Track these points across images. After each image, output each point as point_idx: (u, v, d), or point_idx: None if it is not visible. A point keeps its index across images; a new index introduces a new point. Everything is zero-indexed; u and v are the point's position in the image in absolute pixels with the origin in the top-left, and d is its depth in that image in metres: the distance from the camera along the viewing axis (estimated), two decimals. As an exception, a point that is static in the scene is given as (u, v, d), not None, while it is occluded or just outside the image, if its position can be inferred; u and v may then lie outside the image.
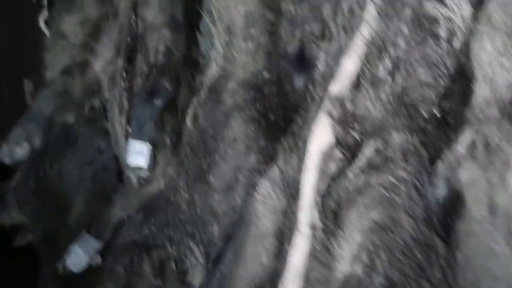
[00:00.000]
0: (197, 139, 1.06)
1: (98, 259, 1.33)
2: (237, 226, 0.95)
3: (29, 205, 1.67)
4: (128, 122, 1.36)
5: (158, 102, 1.20)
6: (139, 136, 1.16)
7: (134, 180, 1.14)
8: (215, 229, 1.04)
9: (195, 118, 1.10)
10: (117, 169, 1.45)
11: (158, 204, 1.14)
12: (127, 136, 1.37)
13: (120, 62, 1.33)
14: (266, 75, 1.05)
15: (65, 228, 1.66)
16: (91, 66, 1.30)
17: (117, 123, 1.34)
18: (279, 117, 1.03)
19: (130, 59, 1.34)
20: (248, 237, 0.93)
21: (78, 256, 1.29)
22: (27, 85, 5.22)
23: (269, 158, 0.95)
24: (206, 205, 1.04)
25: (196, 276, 1.10)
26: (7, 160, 1.20)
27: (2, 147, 1.19)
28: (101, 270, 1.32)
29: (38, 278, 1.78)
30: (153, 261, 1.14)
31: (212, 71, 1.07)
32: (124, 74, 1.34)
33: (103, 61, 1.31)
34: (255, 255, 0.92)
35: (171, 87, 1.22)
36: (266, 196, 0.93)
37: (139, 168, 1.13)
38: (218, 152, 1.02)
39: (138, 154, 1.14)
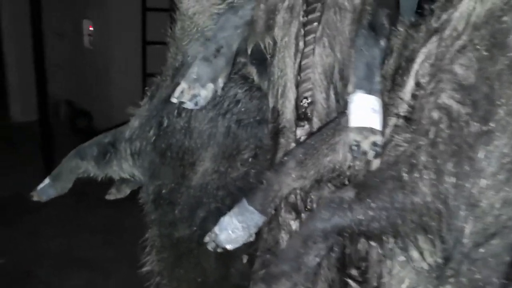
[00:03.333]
0: (461, 98, 0.74)
1: (252, 237, 1.06)
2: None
3: (145, 158, 1.41)
4: (299, 67, 1.05)
5: (383, 43, 0.89)
6: (369, 87, 0.85)
7: (363, 147, 0.83)
8: (469, 226, 0.74)
9: (446, 69, 0.78)
10: (274, 126, 1.15)
11: (379, 181, 0.84)
12: (297, 84, 1.06)
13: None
14: None
15: (185, 188, 1.41)
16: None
17: (289, 67, 1.02)
18: None
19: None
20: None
21: (235, 231, 1.02)
22: (86, 26, 5.00)
23: None
24: (461, 191, 0.74)
25: (426, 282, 0.82)
26: (190, 105, 0.91)
27: (180, 88, 0.90)
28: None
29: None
30: (360, 255, 0.86)
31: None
32: (305, 5, 1.02)
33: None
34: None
35: (387, 25, 0.91)
36: None
37: (370, 131, 0.83)
38: (494, 117, 0.71)
39: (368, 111, 0.83)
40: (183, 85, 0.88)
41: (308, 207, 1.19)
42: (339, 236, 0.85)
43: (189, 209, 1.42)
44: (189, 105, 0.90)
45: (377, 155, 0.82)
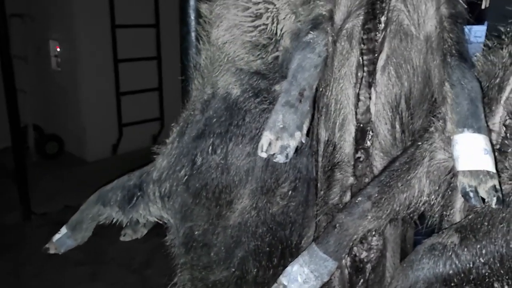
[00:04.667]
0: None
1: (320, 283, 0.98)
2: None
3: (176, 199, 1.31)
4: (359, 98, 0.99)
5: (476, 72, 0.83)
6: (476, 126, 0.78)
7: (481, 193, 0.76)
8: None
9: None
10: (330, 161, 1.08)
11: (488, 224, 0.77)
12: (357, 116, 1.00)
13: (361, 16, 0.95)
14: None
15: (221, 228, 1.32)
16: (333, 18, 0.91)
17: (349, 99, 0.96)
18: None
19: (374, 13, 0.95)
20: None
21: (308, 281, 0.94)
22: (52, 47, 4.79)
23: None
24: None
25: None
26: (281, 159, 0.81)
27: (266, 139, 0.81)
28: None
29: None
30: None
31: None
32: (363, 32, 0.95)
33: (345, 12, 0.92)
34: None
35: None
36: None
37: (487, 174, 0.76)
38: None
39: (481, 152, 0.76)
40: (269, 136, 0.79)
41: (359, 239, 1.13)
42: (444, 286, 0.78)
43: (227, 250, 1.33)
44: (280, 158, 0.81)
45: (499, 202, 0.76)
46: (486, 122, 0.81)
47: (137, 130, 5.21)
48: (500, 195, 0.75)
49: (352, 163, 1.05)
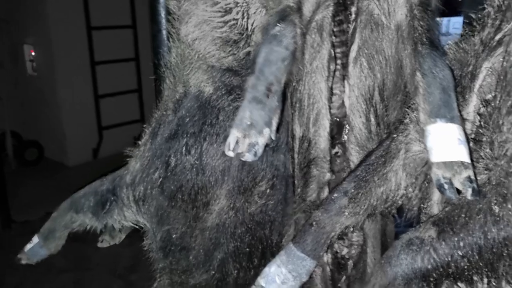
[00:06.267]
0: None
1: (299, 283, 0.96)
2: None
3: (151, 203, 1.27)
4: (332, 91, 0.96)
5: (447, 60, 0.81)
6: (449, 115, 0.76)
7: (456, 184, 0.73)
8: None
9: None
10: (305, 157, 1.05)
11: (465, 216, 0.75)
12: (331, 110, 0.97)
13: (331, 8, 0.92)
14: None
15: (199, 231, 1.28)
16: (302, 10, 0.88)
17: (322, 93, 0.93)
18: None
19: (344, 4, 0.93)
20: None
21: (286, 281, 0.91)
22: (27, 51, 4.68)
23: None
24: None
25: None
26: (249, 158, 0.78)
27: (233, 137, 0.77)
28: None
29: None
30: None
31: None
32: (333, 24, 0.93)
33: (314, 3, 0.89)
34: None
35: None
36: None
37: (461, 165, 0.73)
38: None
39: (454, 142, 0.74)
40: (236, 133, 0.76)
41: (339, 235, 1.10)
42: (423, 281, 0.76)
43: (205, 253, 1.30)
44: (248, 157, 0.78)
45: (474, 193, 0.74)
46: (460, 111, 0.78)
47: (118, 132, 5.13)
48: (476, 186, 0.74)
49: (328, 158, 1.03)
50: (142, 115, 5.41)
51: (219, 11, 1.15)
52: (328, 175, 1.04)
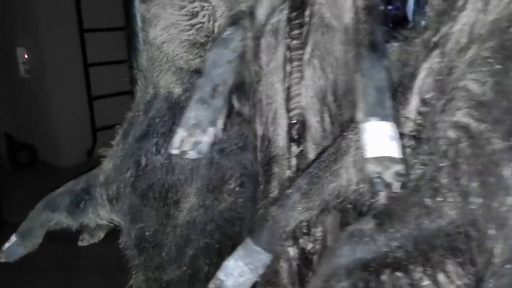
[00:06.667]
0: (480, 115, 0.71)
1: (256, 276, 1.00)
2: None
3: (124, 201, 1.31)
4: (289, 91, 1.00)
5: (386, 63, 0.85)
6: (382, 114, 0.81)
7: (386, 179, 0.78)
8: (499, 246, 0.72)
9: (456, 85, 0.75)
10: (266, 155, 1.09)
11: (402, 209, 0.79)
12: (288, 110, 1.01)
13: (285, 11, 0.96)
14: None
15: (170, 228, 1.32)
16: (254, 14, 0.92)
17: (278, 93, 0.97)
18: None
19: (298, 7, 0.97)
20: None
21: (243, 274, 0.95)
22: (20, 54, 4.70)
23: None
24: (489, 211, 0.71)
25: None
26: (192, 155, 0.82)
27: (179, 136, 0.81)
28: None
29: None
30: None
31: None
32: (288, 27, 0.97)
33: (268, 7, 0.93)
34: None
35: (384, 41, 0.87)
36: None
37: (391, 160, 0.78)
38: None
39: (386, 139, 0.78)
40: (181, 133, 0.80)
41: (305, 230, 1.14)
42: (364, 271, 0.80)
43: (177, 249, 1.34)
44: (192, 154, 0.82)
45: (403, 186, 0.78)
46: (398, 110, 0.83)
47: (112, 134, 5.15)
48: (404, 180, 0.78)
49: (287, 156, 1.07)
50: (135, 116, 5.42)
51: (186, 15, 1.19)
52: (288, 172, 1.08)
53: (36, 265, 3.39)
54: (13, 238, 1.38)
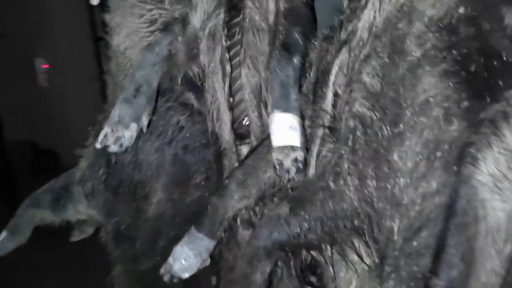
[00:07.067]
0: (371, 105, 0.77)
1: (207, 261, 1.08)
2: (451, 223, 0.69)
3: (99, 197, 1.41)
4: (231, 89, 1.08)
5: (297, 60, 0.92)
6: (285, 106, 0.88)
7: (286, 165, 0.86)
8: (396, 224, 0.78)
9: (356, 78, 0.81)
10: (216, 149, 1.17)
11: (311, 193, 0.86)
12: (231, 107, 1.09)
13: (221, 15, 1.04)
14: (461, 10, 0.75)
15: (142, 222, 1.42)
16: (190, 21, 1.01)
17: (219, 91, 1.05)
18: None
19: (233, 11, 1.04)
20: (476, 238, 0.67)
21: (188, 260, 1.04)
22: (38, 64, 4.88)
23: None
24: (384, 193, 0.77)
25: (369, 281, 0.85)
26: (114, 149, 0.91)
27: (103, 132, 0.91)
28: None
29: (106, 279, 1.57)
30: (304, 266, 0.88)
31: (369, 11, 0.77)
32: (226, 30, 1.04)
33: (202, 14, 1.01)
34: (487, 261, 0.66)
35: (302, 41, 0.94)
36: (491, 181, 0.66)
37: (291, 148, 0.85)
38: (403, 120, 0.75)
39: (286, 129, 0.86)
40: (106, 129, 0.90)
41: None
42: (281, 251, 0.87)
43: (149, 241, 1.43)
44: (113, 148, 0.91)
45: (298, 171, 0.85)
46: (305, 103, 0.90)
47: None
48: (300, 166, 0.85)
49: (234, 150, 1.15)
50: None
51: (146, 22, 1.28)
52: (236, 165, 1.15)
53: (36, 265, 3.49)
54: (3, 233, 1.50)
